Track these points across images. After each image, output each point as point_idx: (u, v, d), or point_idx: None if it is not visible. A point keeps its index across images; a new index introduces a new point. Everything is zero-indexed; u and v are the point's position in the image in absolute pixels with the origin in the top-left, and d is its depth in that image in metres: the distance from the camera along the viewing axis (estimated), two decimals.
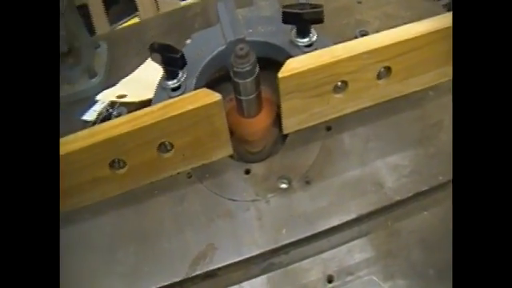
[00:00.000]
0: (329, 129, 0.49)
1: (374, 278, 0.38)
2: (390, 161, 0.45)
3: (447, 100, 0.49)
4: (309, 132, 0.48)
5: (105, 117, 0.53)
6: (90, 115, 0.55)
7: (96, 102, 0.57)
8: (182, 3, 1.06)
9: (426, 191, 0.43)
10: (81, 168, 0.44)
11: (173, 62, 0.48)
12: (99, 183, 0.46)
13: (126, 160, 0.45)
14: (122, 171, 0.46)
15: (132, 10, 1.29)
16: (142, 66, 0.61)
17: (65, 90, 0.60)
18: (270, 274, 0.40)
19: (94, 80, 0.61)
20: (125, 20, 1.30)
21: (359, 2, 0.63)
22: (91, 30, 1.13)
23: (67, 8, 0.56)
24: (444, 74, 0.50)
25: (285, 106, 0.46)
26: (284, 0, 0.52)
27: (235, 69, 0.43)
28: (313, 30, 0.50)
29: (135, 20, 1.24)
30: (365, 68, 0.45)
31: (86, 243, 0.45)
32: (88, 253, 0.45)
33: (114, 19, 1.34)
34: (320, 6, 0.47)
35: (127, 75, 0.61)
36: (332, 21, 0.59)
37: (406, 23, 0.45)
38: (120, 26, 1.22)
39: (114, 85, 0.60)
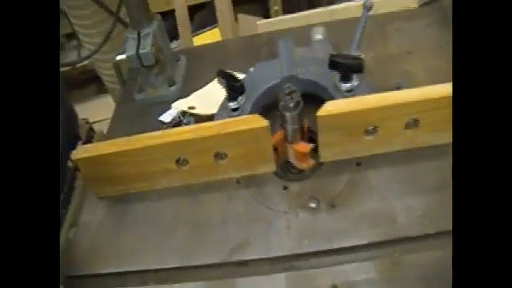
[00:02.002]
0: (358, 164, 0.57)
1: None
2: (406, 201, 0.53)
3: None
4: (341, 164, 0.57)
5: (176, 122, 0.65)
6: (166, 118, 0.68)
7: (171, 107, 0.69)
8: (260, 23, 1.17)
9: (433, 234, 0.50)
10: (154, 160, 0.56)
11: (234, 88, 0.58)
12: (167, 174, 0.58)
13: (188, 159, 0.57)
14: (184, 168, 0.58)
15: (212, 20, 1.42)
16: (211, 84, 0.72)
17: (148, 94, 0.74)
18: (288, 273, 0.49)
19: (172, 88, 0.73)
20: (207, 29, 1.44)
21: (408, 53, 0.70)
22: (175, 36, 1.28)
23: (158, 28, 0.69)
24: None
25: (321, 139, 0.55)
26: (338, 46, 0.61)
27: (282, 102, 0.53)
28: (355, 77, 0.58)
29: (216, 30, 1.37)
30: (393, 118, 0.53)
31: (150, 220, 0.57)
32: (150, 229, 0.56)
33: (196, 27, 1.49)
34: (361, 59, 0.55)
35: (200, 87, 0.73)
36: (380, 68, 0.68)
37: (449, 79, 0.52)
38: (201, 34, 1.36)
39: (188, 94, 0.72)
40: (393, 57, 0.70)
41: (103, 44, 0.77)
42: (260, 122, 0.54)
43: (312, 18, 1.07)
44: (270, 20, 1.36)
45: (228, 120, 0.55)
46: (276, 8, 1.86)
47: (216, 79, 0.73)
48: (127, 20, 0.72)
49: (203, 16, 1.62)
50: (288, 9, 1.76)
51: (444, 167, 0.55)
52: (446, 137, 0.57)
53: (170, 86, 0.73)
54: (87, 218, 0.61)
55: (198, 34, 1.44)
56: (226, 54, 0.81)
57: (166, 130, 0.58)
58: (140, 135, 0.57)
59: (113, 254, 0.55)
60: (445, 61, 0.68)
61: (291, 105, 0.53)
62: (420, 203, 0.52)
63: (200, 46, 1.00)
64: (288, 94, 0.53)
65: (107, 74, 1.02)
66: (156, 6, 1.01)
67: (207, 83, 0.74)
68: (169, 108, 0.70)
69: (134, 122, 0.72)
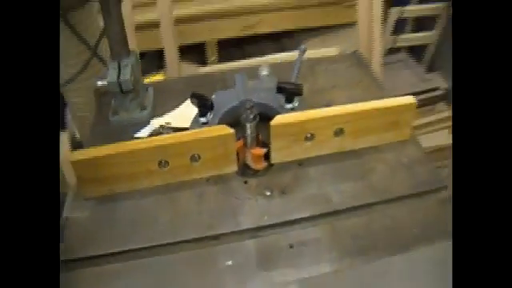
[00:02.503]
0: (300, 164, 0.76)
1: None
2: (337, 187, 0.72)
3: (383, 155, 0.77)
4: (287, 164, 0.75)
5: (157, 133, 0.79)
6: (143, 133, 0.82)
7: (147, 125, 0.83)
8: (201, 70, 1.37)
9: (358, 206, 0.69)
10: (140, 162, 0.70)
11: (205, 106, 0.75)
12: (149, 175, 0.72)
13: (169, 161, 0.71)
14: (165, 169, 0.72)
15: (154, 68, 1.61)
16: (178, 108, 0.88)
17: (122, 116, 0.87)
18: (255, 239, 0.65)
19: (144, 112, 0.88)
20: (152, 74, 1.62)
21: (334, 87, 0.93)
22: None
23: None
24: (384, 138, 0.78)
25: (273, 145, 0.73)
26: (280, 79, 0.81)
27: (244, 115, 0.71)
28: (296, 99, 0.78)
29: (160, 76, 1.55)
30: (325, 127, 0.73)
31: (135, 212, 0.70)
32: (136, 218, 0.69)
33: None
34: (300, 85, 0.76)
35: (168, 111, 0.88)
36: (312, 97, 0.89)
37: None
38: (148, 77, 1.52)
39: (157, 116, 0.87)
40: (322, 89, 0.92)
41: (80, 72, 0.90)
42: (227, 130, 0.71)
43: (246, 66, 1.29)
44: (209, 67, 1.58)
45: (202, 129, 0.72)
46: (213, 58, 2.09)
47: (182, 104, 0.89)
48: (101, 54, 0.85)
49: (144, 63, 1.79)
50: (223, 59, 1.99)
51: (363, 163, 0.76)
52: (365, 142, 0.78)
53: (142, 110, 0.88)
54: (76, 214, 0.71)
55: (146, 77, 1.60)
56: (186, 87, 0.98)
57: (151, 138, 0.72)
58: (128, 141, 0.71)
59: (105, 238, 0.66)
60: (361, 91, 0.92)
61: (251, 116, 0.71)
62: (348, 187, 0.72)
63: (163, 80, 1.16)
64: (248, 109, 0.71)
65: (76, 102, 1.12)
66: None
67: (174, 108, 0.89)
68: (144, 126, 0.84)
69: (111, 138, 0.84)
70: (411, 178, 0.74)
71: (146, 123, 0.86)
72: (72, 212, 0.71)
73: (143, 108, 0.88)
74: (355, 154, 0.78)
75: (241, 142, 0.75)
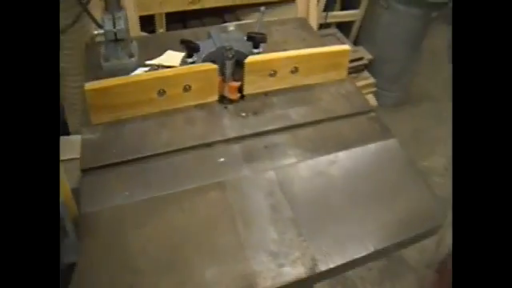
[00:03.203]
0: (266, 94, 0.99)
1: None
2: (296, 110, 0.96)
3: (327, 88, 1.03)
4: (256, 95, 0.98)
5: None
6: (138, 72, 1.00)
7: (136, 71, 1.01)
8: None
9: (314, 121, 0.94)
10: (142, 91, 0.89)
11: (192, 48, 0.96)
12: (150, 102, 0.91)
13: (166, 90, 0.91)
14: (163, 97, 0.91)
15: None
16: (165, 54, 1.07)
17: (113, 62, 1.04)
18: (239, 144, 0.87)
19: (132, 59, 1.05)
20: None
21: (285, 42, 1.17)
22: None
23: (126, 15, 1.02)
24: (327, 77, 1.04)
25: (246, 79, 0.96)
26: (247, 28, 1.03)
27: (224, 55, 0.93)
28: (261, 46, 1.01)
29: None
30: (283, 66, 0.97)
31: (138, 130, 0.88)
32: (140, 133, 0.88)
33: None
34: (265, 35, 0.99)
35: (151, 59, 1.07)
36: (269, 48, 1.12)
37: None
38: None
39: (142, 66, 1.05)
40: (276, 42, 1.16)
41: (72, 25, 1.05)
42: (213, 66, 0.92)
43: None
44: None
45: (193, 65, 0.92)
46: (161, 30, 2.25)
47: (164, 54, 1.08)
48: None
49: None
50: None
51: (313, 94, 1.01)
52: (314, 79, 1.03)
53: (131, 57, 1.06)
54: (88, 136, 0.88)
55: None
56: (165, 42, 1.16)
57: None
58: (132, 75, 0.89)
59: (117, 151, 0.85)
60: (305, 45, 1.17)
61: (229, 56, 0.93)
62: (303, 110, 0.97)
63: (145, 36, 1.33)
64: (228, 50, 0.93)
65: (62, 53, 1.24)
66: None
67: (157, 56, 1.08)
68: (131, 72, 1.02)
69: None
70: (349, 103, 1.01)
71: (134, 69, 1.04)
72: (85, 135, 0.88)
73: (131, 56, 1.06)
74: (307, 87, 1.03)
75: (220, 78, 0.97)
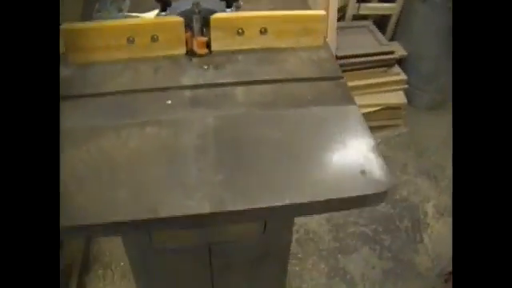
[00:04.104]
0: (233, 52, 1.04)
1: None
2: (261, 68, 0.99)
3: (298, 53, 1.05)
4: (223, 52, 1.03)
5: None
6: None
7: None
8: None
9: (270, 80, 0.97)
10: (113, 36, 0.97)
11: (165, 3, 1.03)
12: (120, 48, 0.99)
13: (135, 38, 0.98)
14: (132, 45, 0.99)
15: None
16: (149, 13, 1.16)
17: (104, 14, 1.14)
18: (190, 91, 0.93)
19: (120, 13, 1.15)
20: None
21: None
22: None
23: None
24: (300, 42, 1.06)
25: (212, 35, 1.01)
26: None
27: (192, 10, 0.99)
28: (234, 5, 1.06)
29: None
30: (251, 25, 1.01)
31: (107, 70, 0.97)
32: (108, 71, 0.96)
33: None
34: None
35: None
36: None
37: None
38: None
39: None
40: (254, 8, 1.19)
41: None
42: (178, 18, 0.99)
43: None
44: None
45: (161, 17, 1.00)
46: None
47: (150, 12, 1.16)
48: None
49: None
50: None
51: (280, 56, 1.04)
52: (285, 43, 1.06)
53: (119, 11, 1.15)
54: (63, 74, 0.98)
55: None
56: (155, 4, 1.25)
57: (125, 19, 1.00)
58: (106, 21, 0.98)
59: (79, 86, 0.94)
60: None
61: (197, 11, 0.99)
62: (265, 69, 1.00)
63: None
64: (194, 4, 0.99)
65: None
66: None
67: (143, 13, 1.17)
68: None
69: None
70: (317, 68, 1.02)
71: None
72: (61, 72, 0.99)
73: (120, 10, 1.16)
74: (276, 50, 1.06)
75: (189, 34, 1.03)
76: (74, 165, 0.77)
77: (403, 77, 2.29)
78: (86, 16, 1.17)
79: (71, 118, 0.87)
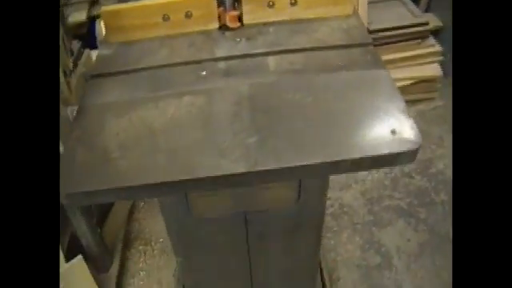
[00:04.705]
0: (264, 24, 1.07)
1: None
2: (288, 39, 1.03)
3: (328, 22, 1.07)
4: (255, 25, 1.07)
5: None
6: None
7: None
8: None
9: (301, 48, 1.00)
10: (149, 14, 1.03)
11: None
12: (156, 26, 1.05)
13: (170, 16, 1.04)
14: (168, 22, 1.04)
15: None
16: None
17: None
18: (225, 62, 0.97)
19: None
20: None
21: None
22: None
23: None
24: (330, 12, 1.08)
25: (244, 8, 1.05)
26: None
27: None
28: None
29: None
30: None
31: (147, 46, 1.03)
32: (147, 48, 1.02)
33: None
34: None
35: None
36: None
37: None
38: None
39: None
40: None
41: None
42: None
43: None
44: None
45: None
46: None
47: None
48: None
49: None
50: None
51: (311, 26, 1.06)
52: (315, 13, 1.08)
53: None
54: (104, 52, 1.05)
55: None
56: None
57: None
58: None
59: (120, 62, 1.00)
60: None
61: None
62: (295, 39, 1.03)
63: None
64: None
65: None
66: None
67: None
68: None
69: None
70: (346, 36, 1.04)
71: None
72: (101, 50, 1.06)
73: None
74: (307, 21, 1.08)
75: (221, 9, 1.07)
76: (117, 133, 0.83)
77: (438, 48, 2.25)
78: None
79: (113, 93, 0.93)
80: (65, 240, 1.42)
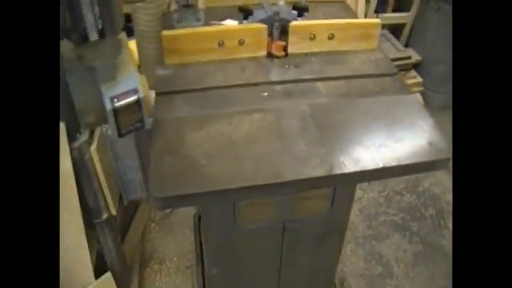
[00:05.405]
0: (306, 55, 1.23)
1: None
2: (329, 68, 1.19)
3: (358, 54, 1.25)
4: (298, 54, 1.22)
5: None
6: None
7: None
8: None
9: (342, 76, 1.17)
10: (206, 40, 1.16)
11: (248, 12, 1.22)
12: (212, 51, 1.18)
13: (225, 42, 1.17)
14: (222, 48, 1.18)
15: None
16: (226, 20, 1.35)
17: (184, 24, 1.33)
18: (280, 85, 1.11)
19: (199, 22, 1.34)
20: None
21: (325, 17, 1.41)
22: None
23: None
24: (359, 46, 1.26)
25: (290, 39, 1.21)
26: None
27: (272, 17, 1.18)
28: (304, 15, 1.26)
29: None
30: (321, 32, 1.21)
31: (201, 70, 1.15)
32: (203, 71, 1.15)
33: None
34: (307, 5, 1.24)
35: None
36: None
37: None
38: None
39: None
40: (317, 18, 1.40)
41: None
42: (262, 25, 1.18)
43: None
44: None
45: (248, 24, 1.19)
46: None
47: (225, 20, 1.35)
48: None
49: None
50: None
51: (346, 57, 1.23)
52: (347, 46, 1.26)
53: (198, 21, 1.34)
54: (161, 73, 1.16)
55: None
56: (225, 12, 1.44)
57: (214, 27, 1.19)
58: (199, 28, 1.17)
59: (183, 82, 1.12)
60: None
61: (277, 19, 1.18)
62: (336, 68, 1.19)
63: (209, 6, 1.64)
64: (275, 14, 1.19)
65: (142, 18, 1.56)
66: None
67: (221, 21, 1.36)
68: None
69: None
70: (376, 67, 1.22)
71: None
72: (159, 71, 1.17)
73: (198, 20, 1.34)
74: (341, 53, 1.26)
75: (269, 39, 1.22)
76: (199, 144, 0.95)
77: (419, 79, 2.51)
78: (167, 27, 1.35)
79: (184, 109, 1.04)
80: (92, 257, 1.46)
